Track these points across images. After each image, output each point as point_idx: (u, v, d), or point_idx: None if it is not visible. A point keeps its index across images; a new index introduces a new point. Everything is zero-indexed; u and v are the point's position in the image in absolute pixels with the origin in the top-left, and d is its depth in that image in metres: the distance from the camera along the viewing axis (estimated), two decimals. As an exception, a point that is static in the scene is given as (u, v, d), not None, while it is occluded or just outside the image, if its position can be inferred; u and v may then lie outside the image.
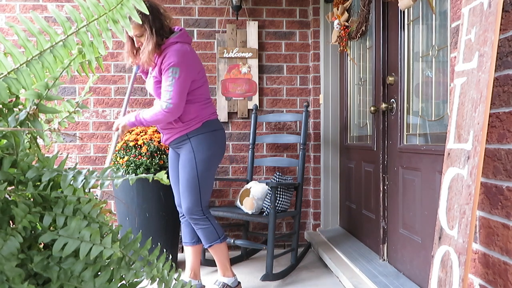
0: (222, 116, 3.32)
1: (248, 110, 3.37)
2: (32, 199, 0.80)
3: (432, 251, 1.28)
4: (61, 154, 3.23)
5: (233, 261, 2.97)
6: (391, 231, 2.43)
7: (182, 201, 2.26)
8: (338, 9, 2.98)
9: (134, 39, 2.16)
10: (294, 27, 3.42)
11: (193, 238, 2.40)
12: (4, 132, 0.78)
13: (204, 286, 2.45)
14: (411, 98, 2.26)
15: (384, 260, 2.50)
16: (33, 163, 0.83)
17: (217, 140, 2.27)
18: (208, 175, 2.25)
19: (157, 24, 2.11)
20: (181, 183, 2.25)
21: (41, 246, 0.82)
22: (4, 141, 0.79)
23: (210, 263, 2.92)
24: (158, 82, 2.19)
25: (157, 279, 0.88)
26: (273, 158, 3.29)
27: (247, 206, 2.83)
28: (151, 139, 2.75)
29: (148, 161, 2.68)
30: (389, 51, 2.47)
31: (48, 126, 1.07)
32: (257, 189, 2.90)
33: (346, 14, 2.95)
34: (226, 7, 3.34)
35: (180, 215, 2.44)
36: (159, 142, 2.75)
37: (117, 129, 2.21)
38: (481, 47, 1.15)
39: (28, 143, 0.87)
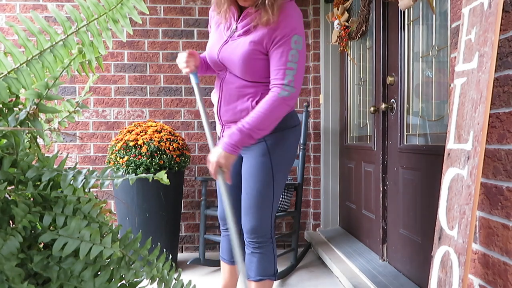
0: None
1: (248, 110, 3.36)
2: (32, 199, 0.80)
3: (432, 251, 1.27)
4: (61, 154, 3.23)
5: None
6: (391, 231, 2.43)
7: (247, 218, 1.75)
8: (338, 9, 2.98)
9: None
10: (294, 27, 3.42)
11: (233, 257, 1.96)
12: (4, 132, 0.78)
13: None
14: (411, 98, 2.26)
15: (384, 260, 2.50)
16: (33, 162, 0.83)
17: (296, 139, 1.77)
18: (282, 184, 1.75)
19: None
20: (248, 195, 1.73)
21: (41, 246, 0.82)
22: (4, 140, 0.79)
23: (211, 263, 2.91)
24: (259, 52, 1.58)
25: (157, 279, 0.88)
26: (273, 158, 3.29)
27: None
28: (151, 139, 2.75)
29: (148, 161, 2.68)
30: (389, 51, 2.47)
31: (48, 125, 1.07)
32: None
33: (346, 14, 2.95)
34: (226, 7, 3.34)
35: (222, 227, 1.97)
36: (159, 142, 2.75)
37: (217, 169, 1.58)
38: (481, 47, 1.15)
39: (28, 142, 0.87)
